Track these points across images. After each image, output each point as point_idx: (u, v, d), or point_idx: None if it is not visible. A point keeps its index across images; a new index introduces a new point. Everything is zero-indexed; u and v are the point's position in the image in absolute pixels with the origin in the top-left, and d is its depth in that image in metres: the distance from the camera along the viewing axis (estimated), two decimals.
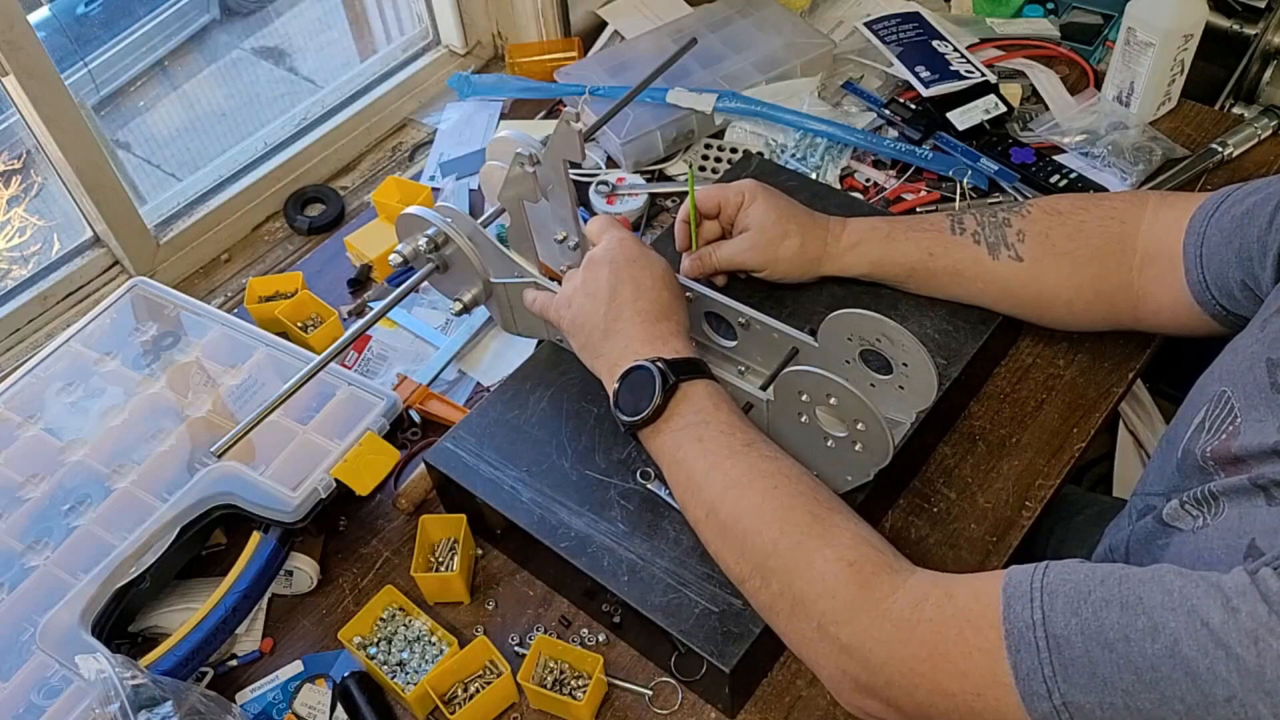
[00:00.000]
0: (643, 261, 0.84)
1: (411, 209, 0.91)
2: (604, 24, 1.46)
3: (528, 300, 0.92)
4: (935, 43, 1.30)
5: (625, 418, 0.78)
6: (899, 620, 0.64)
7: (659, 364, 0.77)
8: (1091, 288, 0.90)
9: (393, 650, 0.86)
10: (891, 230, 0.95)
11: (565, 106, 1.34)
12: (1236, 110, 1.30)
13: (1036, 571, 0.61)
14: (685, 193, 1.21)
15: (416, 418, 1.03)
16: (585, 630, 0.87)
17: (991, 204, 0.96)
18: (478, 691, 0.82)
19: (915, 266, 0.94)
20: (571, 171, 0.92)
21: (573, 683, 0.82)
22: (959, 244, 0.92)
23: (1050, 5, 1.41)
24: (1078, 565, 0.61)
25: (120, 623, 0.87)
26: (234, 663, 0.89)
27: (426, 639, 0.86)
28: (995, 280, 0.92)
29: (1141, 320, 0.91)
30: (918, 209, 1.16)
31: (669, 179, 1.25)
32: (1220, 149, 1.17)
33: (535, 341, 1.05)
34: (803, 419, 0.80)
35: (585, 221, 1.18)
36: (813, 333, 0.86)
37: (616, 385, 0.79)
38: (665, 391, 0.77)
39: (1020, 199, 1.14)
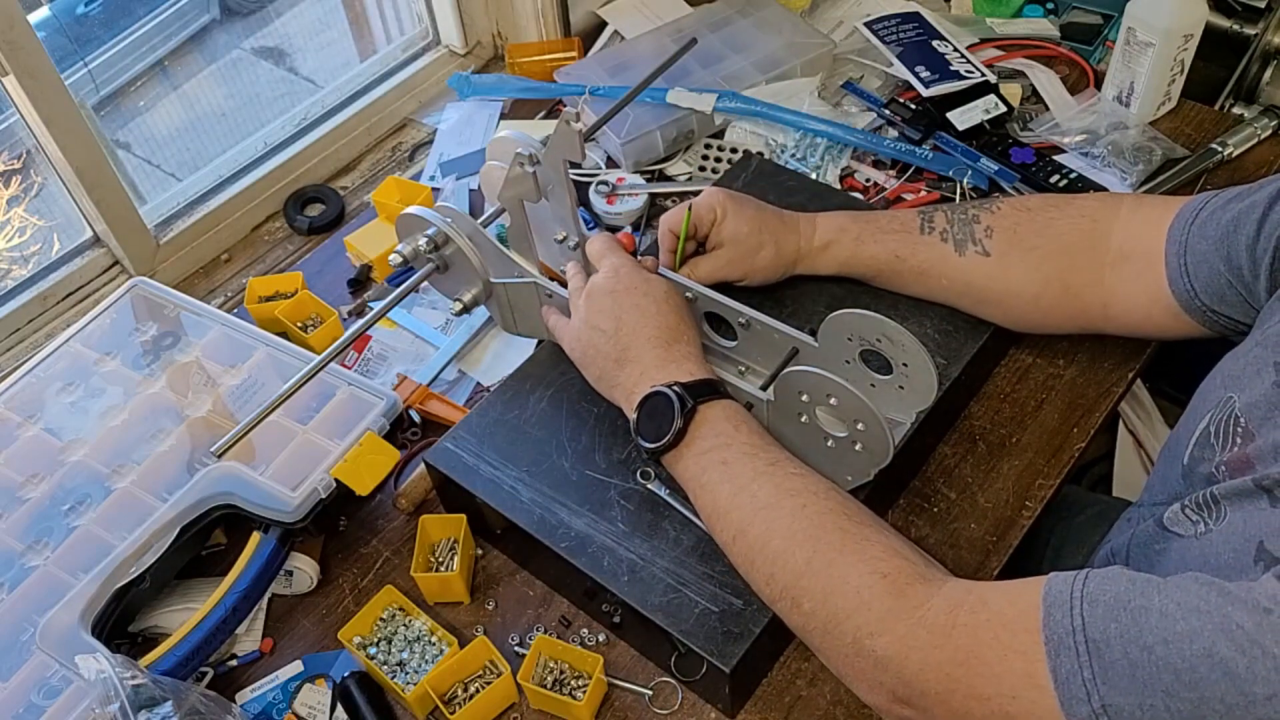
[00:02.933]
0: (644, 288, 0.84)
1: (411, 209, 0.91)
2: (604, 24, 1.46)
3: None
4: (935, 43, 1.30)
5: (647, 445, 0.78)
6: (934, 626, 0.64)
7: (675, 388, 0.77)
8: (1059, 282, 0.90)
9: (393, 650, 0.86)
10: (861, 233, 0.94)
11: (565, 106, 1.34)
12: (1236, 110, 1.30)
13: (1077, 580, 0.61)
14: (685, 193, 1.22)
15: (416, 418, 1.03)
16: (585, 630, 0.87)
17: (968, 200, 0.96)
18: (478, 691, 0.82)
19: (882, 269, 0.95)
20: (571, 171, 0.92)
21: (573, 683, 0.82)
22: (926, 243, 0.92)
23: (1050, 5, 1.41)
24: (1118, 574, 0.60)
25: (120, 623, 0.87)
26: (234, 663, 0.89)
27: (426, 639, 0.86)
28: (960, 276, 0.92)
29: (1112, 319, 0.91)
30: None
31: (669, 179, 1.25)
32: (1220, 149, 1.17)
33: (535, 341, 1.05)
34: (803, 419, 0.80)
35: (586, 223, 1.18)
36: (813, 333, 0.86)
37: (635, 413, 0.79)
38: (684, 415, 0.77)
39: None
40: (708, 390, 0.79)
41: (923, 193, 1.18)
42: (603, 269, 0.86)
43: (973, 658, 0.62)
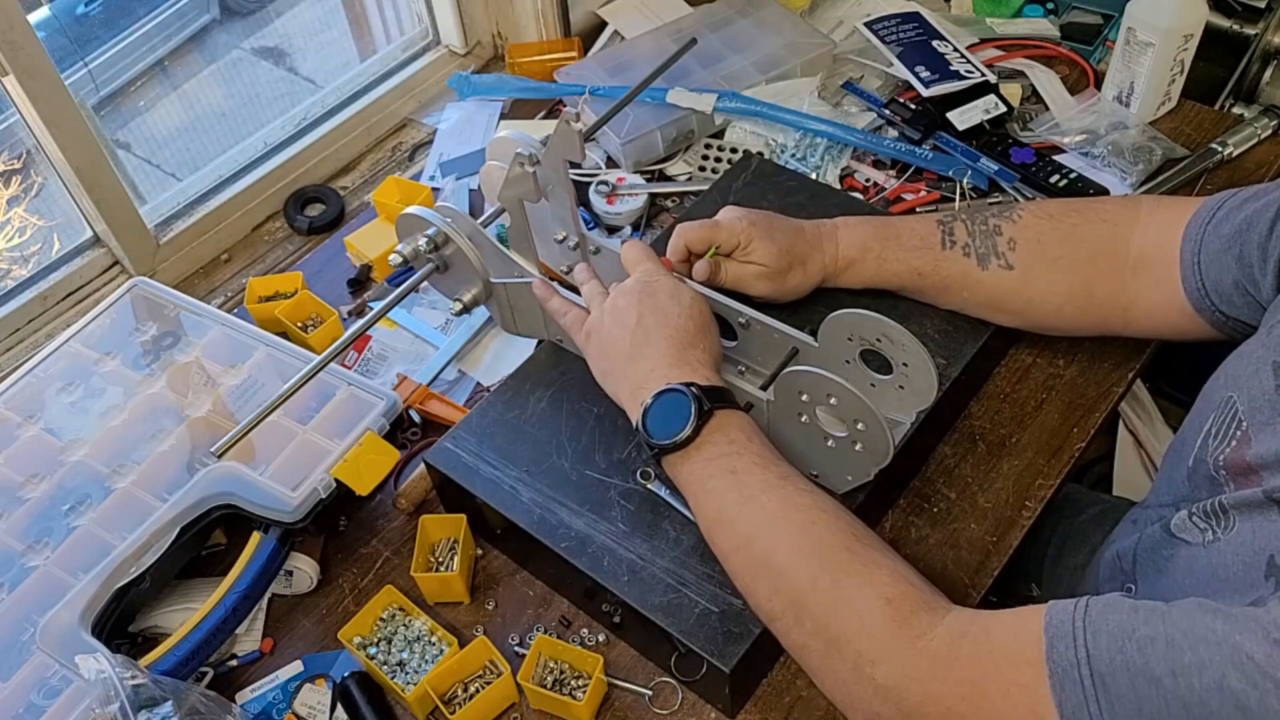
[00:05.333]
0: (672, 292, 0.83)
1: (411, 209, 0.91)
2: (604, 24, 1.46)
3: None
4: (935, 43, 1.30)
5: (656, 441, 0.76)
6: (936, 657, 0.63)
7: (693, 389, 0.76)
8: (1083, 293, 0.90)
9: (393, 650, 0.86)
10: (883, 250, 0.93)
11: (565, 106, 1.34)
12: (1236, 110, 1.30)
13: (1078, 610, 0.60)
14: (685, 193, 1.22)
15: (416, 418, 1.03)
16: (585, 630, 0.87)
17: (984, 206, 0.95)
18: (478, 691, 0.82)
19: (905, 284, 0.95)
20: (571, 171, 0.92)
21: (573, 683, 0.82)
22: (949, 259, 0.92)
23: (1050, 5, 1.41)
24: (1119, 602, 0.60)
25: (120, 623, 0.87)
26: (234, 663, 0.89)
27: (426, 639, 0.86)
28: (983, 290, 0.92)
29: (1131, 324, 0.90)
30: (917, 209, 1.16)
31: (669, 179, 1.25)
32: (1220, 149, 1.17)
33: (535, 341, 1.05)
34: (803, 419, 0.80)
35: (586, 223, 1.18)
36: (813, 333, 0.86)
37: (650, 401, 0.77)
38: (701, 417, 0.75)
39: (1018, 199, 1.15)
40: (721, 397, 0.78)
41: (922, 193, 1.17)
42: (635, 274, 0.86)
43: (975, 691, 0.61)
